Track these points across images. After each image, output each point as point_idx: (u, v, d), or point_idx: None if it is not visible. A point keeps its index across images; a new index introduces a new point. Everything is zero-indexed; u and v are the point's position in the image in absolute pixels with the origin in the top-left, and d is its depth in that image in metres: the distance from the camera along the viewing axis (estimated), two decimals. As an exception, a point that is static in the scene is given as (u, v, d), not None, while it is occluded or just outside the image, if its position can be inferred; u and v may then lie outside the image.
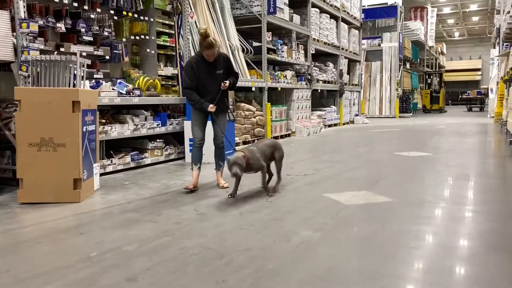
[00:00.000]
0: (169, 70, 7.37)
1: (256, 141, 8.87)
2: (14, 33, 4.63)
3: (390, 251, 2.82)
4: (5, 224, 3.50)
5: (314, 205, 4.00)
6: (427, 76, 26.39)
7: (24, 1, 4.62)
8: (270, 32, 9.96)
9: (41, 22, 5.17)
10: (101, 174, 5.13)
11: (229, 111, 4.86)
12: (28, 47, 4.64)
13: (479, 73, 37.62)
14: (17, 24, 4.59)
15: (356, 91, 16.66)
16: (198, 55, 4.60)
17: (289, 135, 10.65)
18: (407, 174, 5.55)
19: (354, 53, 15.95)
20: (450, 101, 33.78)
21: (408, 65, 23.75)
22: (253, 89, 9.38)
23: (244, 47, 9.46)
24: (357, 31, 16.42)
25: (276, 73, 10.35)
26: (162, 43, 7.27)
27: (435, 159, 6.66)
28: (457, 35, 39.47)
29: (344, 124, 14.73)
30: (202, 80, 4.57)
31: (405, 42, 21.23)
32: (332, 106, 14.18)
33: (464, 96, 26.94)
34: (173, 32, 7.46)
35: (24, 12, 4.63)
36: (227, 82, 4.59)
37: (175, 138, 6.90)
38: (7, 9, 4.86)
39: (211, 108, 4.52)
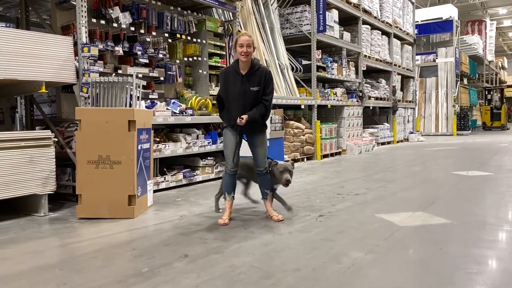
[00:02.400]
0: (220, 90, 7.54)
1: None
2: (76, 57, 4.93)
3: (448, 276, 2.66)
4: (64, 238, 3.66)
5: (366, 225, 3.87)
6: (486, 92, 25.17)
7: (86, 27, 4.92)
8: (320, 50, 9.94)
9: (101, 46, 5.47)
10: (154, 191, 5.27)
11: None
12: (89, 70, 4.91)
13: (545, 88, 35.35)
14: (79, 49, 4.88)
15: (411, 108, 16.17)
16: (231, 66, 4.08)
17: (339, 153, 10.48)
18: (466, 195, 5.26)
19: (407, 69, 15.55)
20: (513, 118, 31.93)
21: (465, 81, 22.77)
22: (302, 106, 9.36)
23: (293, 66, 9.50)
24: (410, 47, 16.03)
25: (325, 91, 10.28)
26: (213, 64, 7.45)
27: (497, 179, 6.28)
28: (519, 48, 37.51)
29: (398, 142, 14.29)
30: (230, 95, 3.97)
31: (462, 57, 20.41)
32: (385, 124, 13.83)
33: (528, 112, 25.39)
34: (224, 53, 7.64)
35: (86, 37, 4.93)
36: (244, 117, 3.86)
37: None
38: (71, 35, 5.20)
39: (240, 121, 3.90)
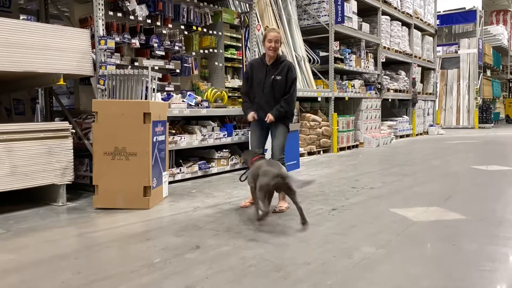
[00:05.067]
0: (236, 82, 7.52)
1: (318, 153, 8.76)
2: (94, 50, 4.99)
3: (460, 273, 2.63)
4: (81, 227, 3.75)
5: (380, 220, 3.85)
6: (511, 84, 24.52)
7: (103, 20, 4.98)
8: (338, 42, 9.83)
9: (117, 39, 5.52)
10: (170, 182, 5.34)
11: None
12: (106, 62, 4.97)
13: None
14: (97, 41, 4.94)
15: (431, 100, 15.89)
16: (259, 57, 4.48)
17: (357, 146, 10.39)
18: (484, 190, 5.16)
19: (428, 61, 15.26)
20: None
21: (488, 73, 22.23)
22: (319, 99, 9.29)
23: (311, 57, 9.42)
24: (431, 38, 15.70)
25: (343, 83, 10.18)
26: (229, 56, 7.44)
27: (517, 174, 6.14)
28: (546, 38, 36.27)
29: (417, 135, 14.09)
30: (255, 84, 4.33)
31: (485, 48, 19.91)
32: (404, 116, 13.63)
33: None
34: (240, 45, 7.62)
35: (103, 30, 4.98)
36: (270, 115, 4.17)
37: (240, 148, 7.00)
38: (88, 28, 5.26)
39: (251, 117, 4.29)
